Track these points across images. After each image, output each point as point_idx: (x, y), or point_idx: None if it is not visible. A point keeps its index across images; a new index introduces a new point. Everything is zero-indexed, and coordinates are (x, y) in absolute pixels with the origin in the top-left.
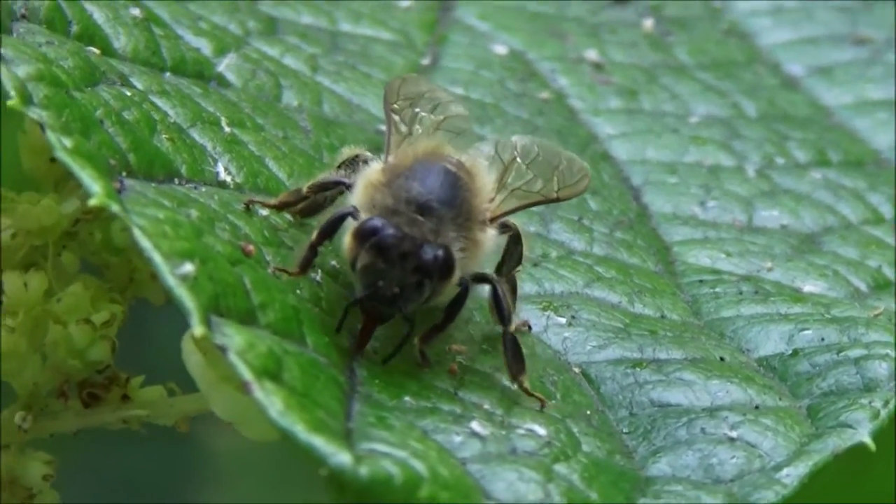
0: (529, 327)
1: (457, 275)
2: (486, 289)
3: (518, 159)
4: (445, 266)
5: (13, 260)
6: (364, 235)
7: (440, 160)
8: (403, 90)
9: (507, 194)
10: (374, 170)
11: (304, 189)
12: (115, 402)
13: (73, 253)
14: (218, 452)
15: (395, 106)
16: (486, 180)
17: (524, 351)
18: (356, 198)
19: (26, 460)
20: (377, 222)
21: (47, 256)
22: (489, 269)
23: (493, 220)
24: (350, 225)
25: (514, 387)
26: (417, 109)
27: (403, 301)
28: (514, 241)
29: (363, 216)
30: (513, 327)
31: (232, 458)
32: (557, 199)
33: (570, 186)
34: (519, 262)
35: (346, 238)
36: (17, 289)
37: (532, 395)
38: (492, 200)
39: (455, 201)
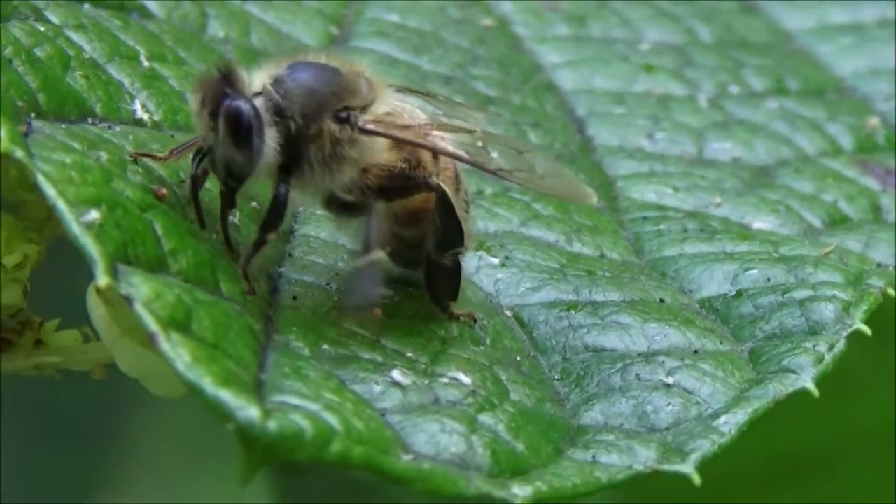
0: (475, 319)
1: (255, 140)
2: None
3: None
4: (234, 113)
5: None
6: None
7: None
8: None
9: (427, 125)
10: None
11: None
12: (28, 348)
13: None
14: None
15: None
16: (381, 92)
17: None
18: None
19: None
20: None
21: None
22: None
23: (367, 131)
24: None
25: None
26: None
27: (216, 157)
28: (439, 208)
29: None
30: (375, 255)
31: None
32: (496, 172)
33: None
34: (453, 238)
35: None
36: None
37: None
38: (384, 113)
39: (308, 84)
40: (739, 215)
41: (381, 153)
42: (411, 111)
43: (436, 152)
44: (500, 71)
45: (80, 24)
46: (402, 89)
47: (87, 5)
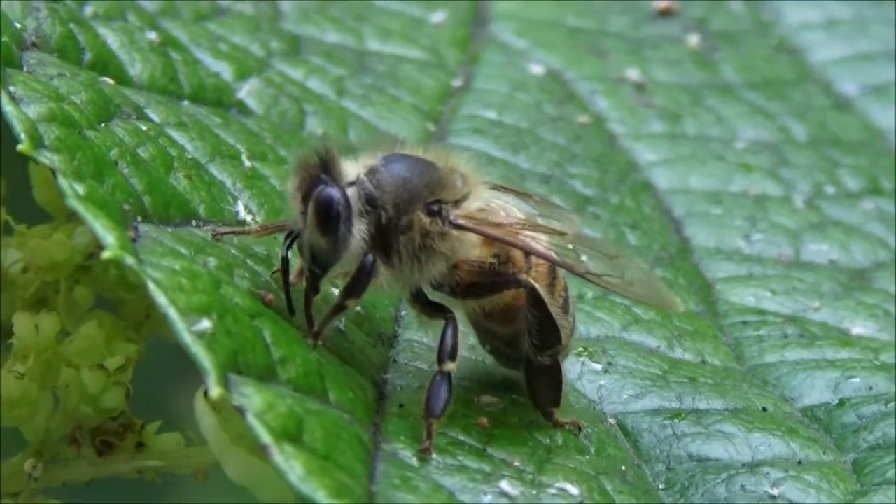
0: (579, 428)
1: (342, 229)
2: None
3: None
4: (324, 200)
5: (24, 296)
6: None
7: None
8: None
9: (517, 224)
10: None
11: None
12: (129, 451)
13: (86, 288)
14: None
15: None
16: (476, 189)
17: (448, 398)
18: None
19: None
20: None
21: (59, 292)
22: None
23: (457, 226)
24: None
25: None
26: None
27: (303, 241)
28: (531, 304)
29: None
30: (447, 367)
31: None
32: (584, 275)
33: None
34: (549, 335)
35: None
36: (29, 331)
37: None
38: (477, 209)
39: (402, 176)
40: (838, 320)
41: (471, 249)
42: (507, 209)
43: (525, 251)
44: (598, 169)
45: (181, 122)
46: (499, 187)
47: (185, 102)
